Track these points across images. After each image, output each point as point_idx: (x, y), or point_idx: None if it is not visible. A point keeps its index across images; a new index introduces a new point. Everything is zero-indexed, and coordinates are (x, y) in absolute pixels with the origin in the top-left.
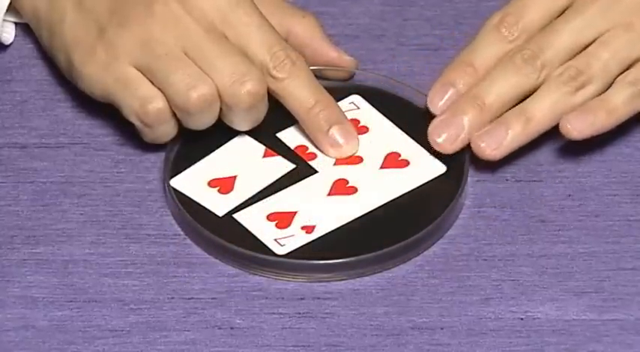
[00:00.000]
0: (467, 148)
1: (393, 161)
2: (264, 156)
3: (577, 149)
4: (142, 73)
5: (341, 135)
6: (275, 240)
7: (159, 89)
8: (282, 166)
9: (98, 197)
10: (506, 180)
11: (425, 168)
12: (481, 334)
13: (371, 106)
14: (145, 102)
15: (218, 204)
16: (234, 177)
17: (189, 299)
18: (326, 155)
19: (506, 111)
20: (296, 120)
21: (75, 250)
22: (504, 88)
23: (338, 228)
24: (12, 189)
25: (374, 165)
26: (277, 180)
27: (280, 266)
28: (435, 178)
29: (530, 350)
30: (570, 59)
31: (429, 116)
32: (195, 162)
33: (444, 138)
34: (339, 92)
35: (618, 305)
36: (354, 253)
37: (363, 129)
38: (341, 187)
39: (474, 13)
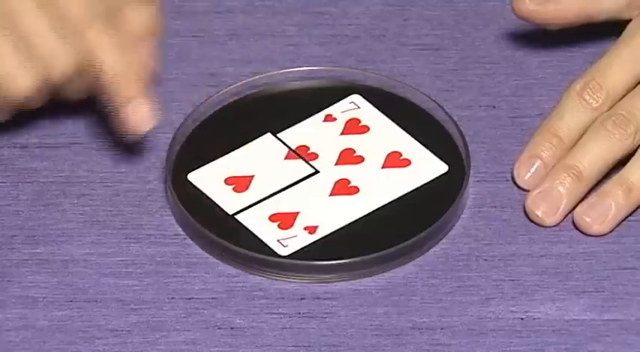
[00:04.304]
0: (467, 147)
1: (395, 160)
2: (286, 158)
3: None
4: None
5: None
6: (278, 240)
7: None
8: (302, 170)
9: (98, 197)
10: (507, 180)
11: (426, 168)
12: (481, 334)
13: (371, 106)
14: None
15: (229, 203)
16: (252, 176)
17: (189, 299)
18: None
19: (603, 176)
20: (297, 121)
21: (75, 250)
22: (598, 154)
23: (340, 229)
24: (12, 189)
25: (375, 165)
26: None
27: (284, 267)
28: (437, 178)
29: (530, 350)
30: None
31: (430, 116)
32: (215, 159)
33: (544, 210)
34: (339, 92)
35: (618, 305)
36: (358, 254)
37: (364, 129)
38: (343, 187)
39: (474, 13)
